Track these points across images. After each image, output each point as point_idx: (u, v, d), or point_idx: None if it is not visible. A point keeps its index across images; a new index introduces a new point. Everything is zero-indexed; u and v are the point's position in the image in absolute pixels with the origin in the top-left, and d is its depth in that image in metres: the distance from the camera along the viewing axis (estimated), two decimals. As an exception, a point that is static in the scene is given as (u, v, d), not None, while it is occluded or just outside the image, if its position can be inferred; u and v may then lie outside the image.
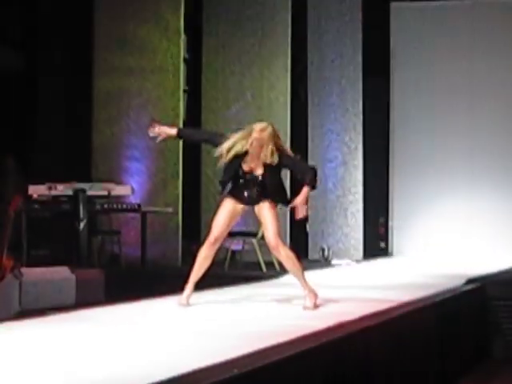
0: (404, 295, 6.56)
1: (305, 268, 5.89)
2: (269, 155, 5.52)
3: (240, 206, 5.78)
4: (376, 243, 13.75)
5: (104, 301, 6.29)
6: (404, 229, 13.04)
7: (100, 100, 11.29)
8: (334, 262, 11.56)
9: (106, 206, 10.09)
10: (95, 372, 3.41)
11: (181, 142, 10.58)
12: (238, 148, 5.58)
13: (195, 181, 11.97)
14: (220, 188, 5.84)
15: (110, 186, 10.28)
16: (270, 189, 5.68)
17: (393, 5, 13.38)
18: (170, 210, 10.71)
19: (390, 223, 13.35)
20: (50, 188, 9.88)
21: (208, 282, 6.41)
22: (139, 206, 10.38)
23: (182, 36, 11.31)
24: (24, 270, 5.96)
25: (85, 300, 6.14)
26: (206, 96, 12.28)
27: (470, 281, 7.85)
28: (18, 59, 11.36)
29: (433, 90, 13.04)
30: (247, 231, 9.91)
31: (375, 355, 4.76)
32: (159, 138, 5.81)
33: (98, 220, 10.91)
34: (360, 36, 13.03)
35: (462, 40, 12.94)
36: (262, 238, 6.36)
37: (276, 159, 5.55)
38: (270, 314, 5.47)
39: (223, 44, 12.25)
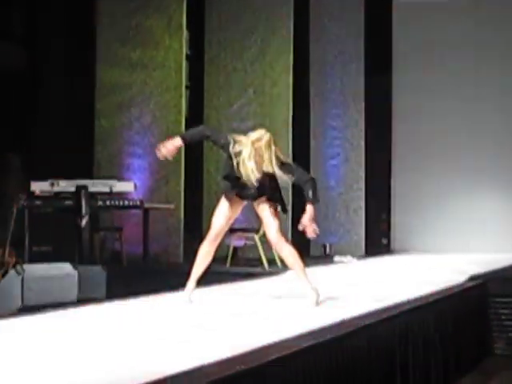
0: (406, 292, 6.56)
1: (306, 265, 5.88)
2: (268, 163, 5.46)
3: (240, 202, 5.77)
4: (378, 240, 13.77)
5: (106, 297, 6.29)
6: (406, 225, 13.03)
7: (102, 96, 11.28)
8: (335, 258, 11.55)
9: (108, 202, 10.09)
10: (96, 368, 3.42)
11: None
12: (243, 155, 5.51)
13: (197, 177, 11.97)
14: (221, 184, 5.82)
15: (112, 182, 10.28)
16: (269, 189, 5.66)
17: (395, 1, 13.37)
18: (171, 206, 10.72)
19: (392, 220, 13.34)
20: (52, 184, 9.89)
21: (210, 278, 6.42)
22: (141, 202, 10.37)
23: (185, 32, 11.31)
24: (26, 266, 5.96)
25: (87, 296, 6.14)
26: (209, 92, 12.28)
27: (472, 278, 7.85)
28: (21, 56, 11.36)
29: (435, 87, 13.02)
30: (249, 227, 9.92)
31: (377, 352, 4.77)
32: (170, 154, 5.78)
33: (100, 216, 10.90)
34: (362, 32, 13.02)
35: (465, 37, 12.92)
36: (264, 234, 6.35)
37: (275, 167, 5.48)
38: (272, 311, 5.47)
39: (225, 40, 12.25)
